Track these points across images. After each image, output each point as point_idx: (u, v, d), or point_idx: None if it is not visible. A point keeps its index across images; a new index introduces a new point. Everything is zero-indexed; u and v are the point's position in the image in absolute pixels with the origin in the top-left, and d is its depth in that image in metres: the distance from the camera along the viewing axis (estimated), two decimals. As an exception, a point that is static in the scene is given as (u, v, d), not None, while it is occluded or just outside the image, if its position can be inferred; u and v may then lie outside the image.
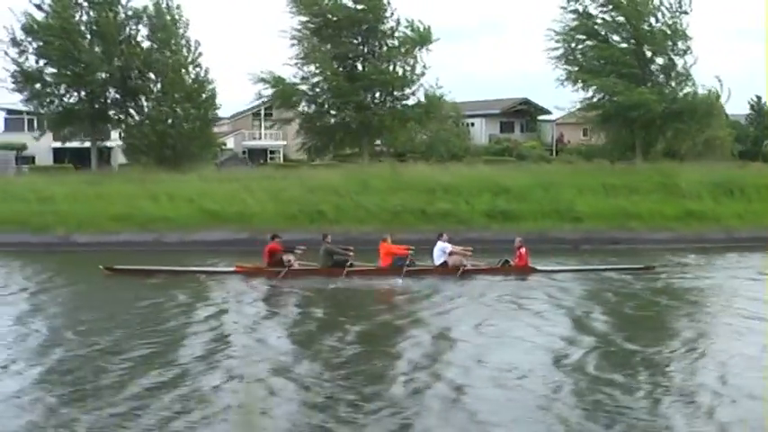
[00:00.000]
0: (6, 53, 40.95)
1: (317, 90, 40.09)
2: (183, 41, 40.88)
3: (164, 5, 40.77)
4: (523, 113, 75.40)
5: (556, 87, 41.59)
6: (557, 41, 40.88)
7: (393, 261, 21.99)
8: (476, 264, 22.47)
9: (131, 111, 41.90)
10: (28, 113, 67.61)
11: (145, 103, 41.41)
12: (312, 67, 40.35)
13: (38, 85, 41.19)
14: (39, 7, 40.76)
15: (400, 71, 39.77)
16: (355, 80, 39.39)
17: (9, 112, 67.18)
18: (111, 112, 42.27)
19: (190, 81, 40.51)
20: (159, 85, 40.37)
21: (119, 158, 63.42)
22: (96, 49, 40.60)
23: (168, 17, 40.54)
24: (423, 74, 39.67)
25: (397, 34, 39.96)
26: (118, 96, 41.75)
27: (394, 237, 29.90)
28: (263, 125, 72.67)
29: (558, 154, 69.89)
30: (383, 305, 18.94)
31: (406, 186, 33.27)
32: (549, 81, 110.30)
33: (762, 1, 70.54)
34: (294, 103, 40.71)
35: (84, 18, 40.89)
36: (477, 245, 29.37)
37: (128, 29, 41.68)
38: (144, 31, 41.45)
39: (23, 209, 33.49)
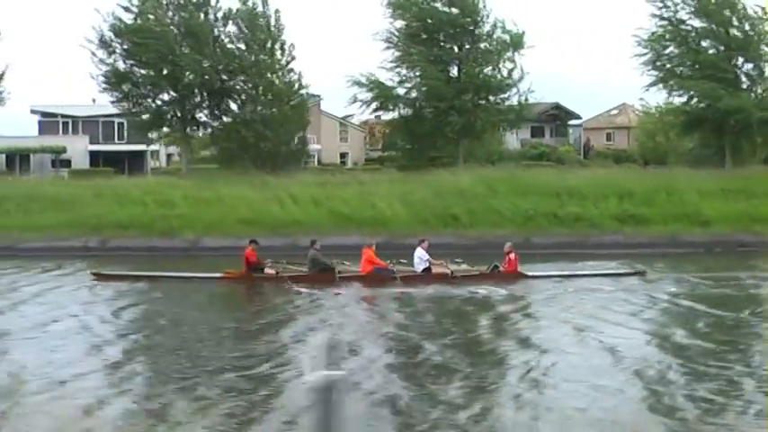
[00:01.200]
0: (94, 54, 40.23)
1: (414, 94, 39.90)
2: (278, 45, 40.38)
3: (259, 8, 40.26)
4: (553, 118, 75.96)
5: (643, 92, 42.16)
6: (644, 47, 41.36)
7: (374, 270, 21.45)
8: (467, 269, 21.90)
9: (222, 113, 41.20)
10: (63, 116, 66.71)
11: (233, 106, 40.83)
12: (404, 70, 40.20)
13: (126, 86, 40.36)
14: (126, 9, 40.05)
15: (498, 75, 39.73)
16: (454, 83, 39.33)
17: (44, 114, 65.86)
18: (201, 115, 41.54)
19: (284, 84, 40.05)
20: (252, 88, 39.75)
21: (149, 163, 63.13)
22: (185, 50, 39.89)
23: (262, 20, 40.04)
24: (520, 79, 39.78)
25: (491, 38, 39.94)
26: (206, 99, 41.01)
27: (529, 241, 30.41)
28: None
29: (585, 158, 70.59)
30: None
31: (530, 190, 33.16)
32: (573, 85, 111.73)
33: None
34: (393, 107, 40.44)
35: (176, 19, 40.14)
36: (611, 249, 29.82)
37: (216, 30, 41.04)
38: (234, 32, 40.83)
39: (142, 212, 32.82)
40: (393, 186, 33.36)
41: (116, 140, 67.49)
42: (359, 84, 39.89)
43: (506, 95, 40.22)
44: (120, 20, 39.61)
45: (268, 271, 21.79)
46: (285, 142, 39.46)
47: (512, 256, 21.94)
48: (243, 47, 40.36)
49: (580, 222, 31.77)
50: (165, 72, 39.26)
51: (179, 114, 40.70)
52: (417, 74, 39.41)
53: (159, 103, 41.05)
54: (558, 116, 75.92)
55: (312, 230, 30.80)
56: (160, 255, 29.88)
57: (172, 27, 39.92)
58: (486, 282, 20.98)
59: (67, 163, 61.59)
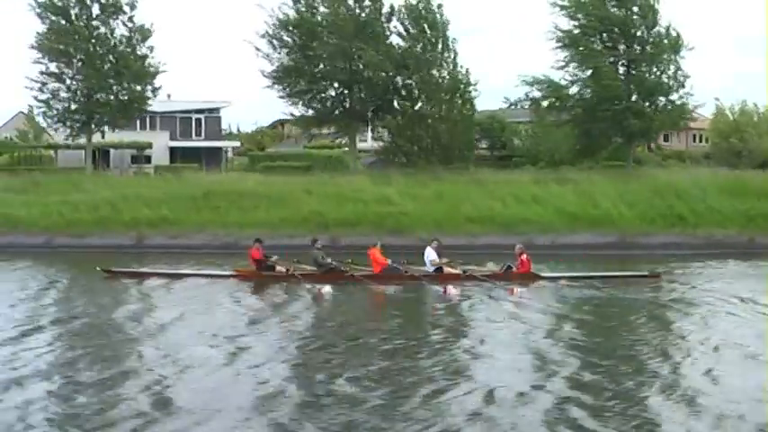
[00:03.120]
0: (258, 49, 39.67)
1: (586, 94, 40.10)
2: (441, 40, 40.21)
3: (424, 4, 40.00)
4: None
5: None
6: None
7: (386, 267, 21.84)
8: (480, 270, 21.97)
9: (390, 109, 40.86)
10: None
11: (402, 102, 40.53)
12: (571, 68, 40.41)
13: (294, 81, 39.80)
14: (295, 2, 39.55)
15: (664, 77, 40.08)
16: (627, 84, 39.66)
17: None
18: (371, 111, 41.08)
19: (453, 80, 39.95)
20: (423, 83, 39.44)
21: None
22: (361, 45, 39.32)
23: (429, 15, 39.84)
24: (683, 83, 40.10)
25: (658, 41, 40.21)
26: (375, 94, 40.53)
27: (754, 241, 30.86)
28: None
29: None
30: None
31: (739, 191, 33.50)
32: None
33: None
34: (567, 107, 40.56)
35: (349, 14, 39.67)
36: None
37: (376, 24, 40.63)
38: (399, 27, 40.60)
39: (365, 210, 32.44)
40: (608, 185, 33.52)
41: (193, 136, 66.45)
42: (530, 83, 40.00)
43: (676, 98, 40.43)
44: (298, 12, 39.09)
45: (279, 269, 22.03)
46: (459, 139, 39.30)
47: (524, 257, 21.77)
48: (410, 42, 40.03)
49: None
50: (348, 66, 38.79)
51: (346, 110, 40.24)
52: (590, 73, 39.52)
53: (326, 97, 40.48)
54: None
55: (544, 230, 31.00)
56: (393, 252, 29.37)
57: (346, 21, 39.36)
58: (499, 282, 20.90)
59: (147, 159, 60.35)
